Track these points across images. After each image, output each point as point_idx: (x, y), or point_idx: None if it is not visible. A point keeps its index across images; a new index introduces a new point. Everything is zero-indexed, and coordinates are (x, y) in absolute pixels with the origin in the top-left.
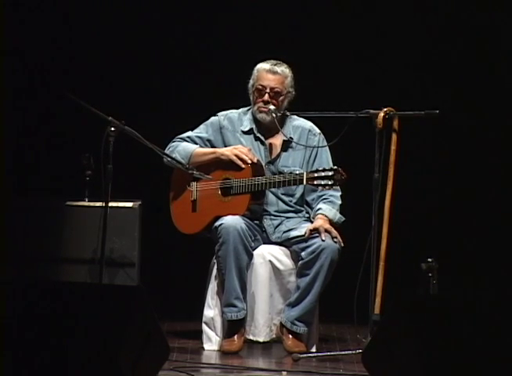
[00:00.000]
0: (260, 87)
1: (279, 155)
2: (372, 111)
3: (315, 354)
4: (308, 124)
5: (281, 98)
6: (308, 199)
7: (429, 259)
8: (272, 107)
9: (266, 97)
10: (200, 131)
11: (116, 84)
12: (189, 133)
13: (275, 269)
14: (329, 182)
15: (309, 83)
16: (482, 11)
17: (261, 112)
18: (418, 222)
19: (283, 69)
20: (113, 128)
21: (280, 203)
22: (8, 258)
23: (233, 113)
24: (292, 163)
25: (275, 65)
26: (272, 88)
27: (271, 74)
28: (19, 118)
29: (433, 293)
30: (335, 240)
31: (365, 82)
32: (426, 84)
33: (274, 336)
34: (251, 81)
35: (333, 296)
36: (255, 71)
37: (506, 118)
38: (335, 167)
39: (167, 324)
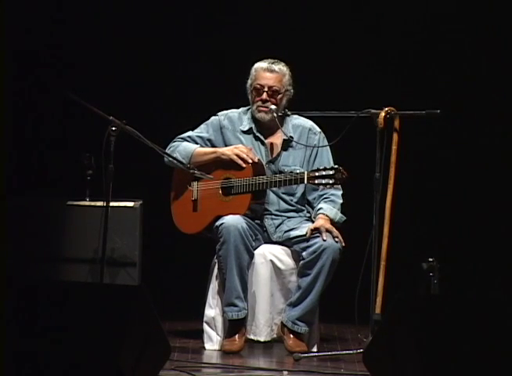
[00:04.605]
0: (258, 86)
1: (279, 154)
2: (373, 111)
3: (316, 354)
4: (309, 123)
5: (279, 96)
6: (310, 198)
7: (430, 259)
8: (272, 107)
9: (264, 96)
10: (201, 130)
11: (117, 83)
12: (189, 133)
13: (276, 269)
14: (330, 182)
15: (310, 83)
16: (483, 10)
17: (259, 111)
18: (419, 222)
19: (281, 67)
20: (114, 128)
21: (281, 202)
22: (8, 258)
23: (233, 112)
24: (292, 162)
25: (272, 63)
26: (270, 87)
27: (268, 72)
28: (20, 118)
29: (434, 293)
30: (336, 239)
31: (366, 82)
32: (427, 84)
33: (275, 336)
34: (249, 81)
35: (334, 296)
36: (253, 70)
37: (507, 118)
38: (336, 166)
39: (168, 324)
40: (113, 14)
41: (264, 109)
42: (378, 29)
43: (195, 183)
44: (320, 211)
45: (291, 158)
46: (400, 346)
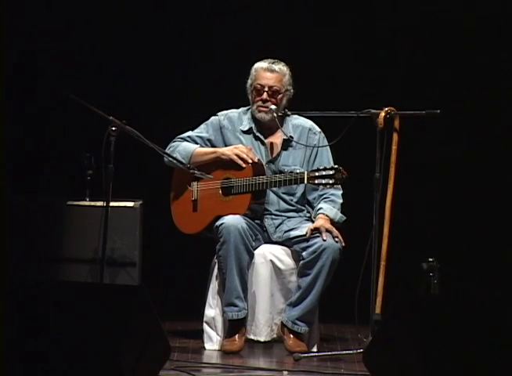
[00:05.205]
0: (258, 86)
1: (279, 154)
2: (373, 111)
3: (316, 354)
4: (309, 123)
5: (279, 96)
6: (310, 198)
7: (430, 259)
8: (273, 107)
9: (265, 96)
10: (201, 130)
11: (117, 83)
12: (189, 133)
13: (276, 269)
14: (330, 181)
15: (310, 83)
16: (483, 10)
17: (260, 111)
18: (419, 222)
19: (281, 67)
20: (114, 128)
21: (281, 202)
22: (8, 258)
23: (233, 112)
24: (292, 162)
25: (272, 63)
26: (270, 87)
27: (269, 72)
28: (20, 118)
29: (434, 293)
30: (336, 239)
31: (366, 82)
32: (427, 84)
33: (275, 336)
34: (249, 81)
35: (334, 296)
36: (253, 70)
37: (507, 118)
38: (336, 166)
39: (168, 324)
40: (113, 14)
41: (264, 109)
42: (378, 29)
43: (195, 183)
44: (320, 211)
45: (291, 158)
46: (400, 346)
